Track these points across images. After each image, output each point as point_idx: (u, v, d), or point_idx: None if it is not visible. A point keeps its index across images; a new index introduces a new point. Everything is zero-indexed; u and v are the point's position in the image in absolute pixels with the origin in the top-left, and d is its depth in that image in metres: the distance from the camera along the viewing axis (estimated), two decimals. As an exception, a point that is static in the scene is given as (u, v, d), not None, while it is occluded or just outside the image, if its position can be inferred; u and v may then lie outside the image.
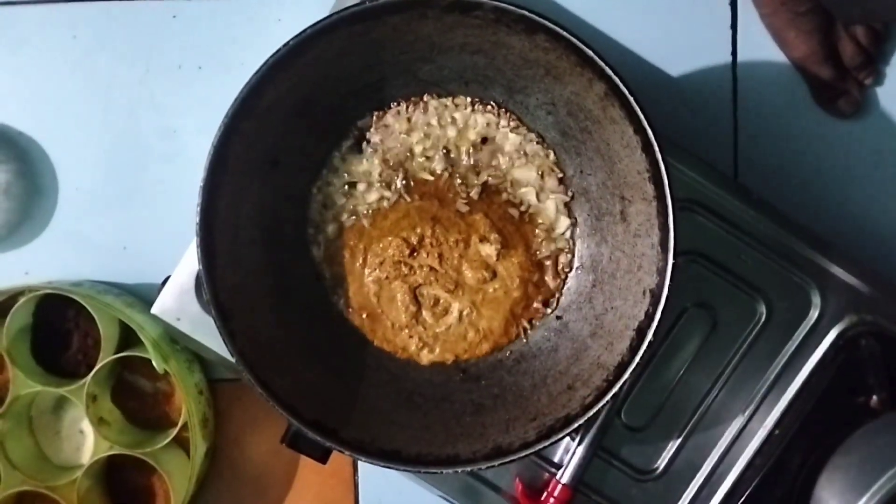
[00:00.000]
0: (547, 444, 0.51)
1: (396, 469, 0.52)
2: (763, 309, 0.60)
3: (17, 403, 0.66)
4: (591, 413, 0.50)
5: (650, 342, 0.50)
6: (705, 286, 0.60)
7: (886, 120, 0.69)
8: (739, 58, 0.69)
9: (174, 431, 0.65)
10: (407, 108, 0.58)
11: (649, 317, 0.50)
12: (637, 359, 0.50)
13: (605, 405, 0.50)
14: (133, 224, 0.70)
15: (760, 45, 0.68)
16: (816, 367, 0.59)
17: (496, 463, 0.51)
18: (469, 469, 0.51)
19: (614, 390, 0.50)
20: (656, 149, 0.49)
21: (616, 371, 0.51)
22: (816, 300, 0.60)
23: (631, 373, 0.50)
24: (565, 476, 0.58)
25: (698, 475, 0.60)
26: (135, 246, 0.70)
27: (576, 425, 0.50)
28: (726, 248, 0.60)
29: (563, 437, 0.51)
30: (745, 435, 0.60)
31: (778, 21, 0.67)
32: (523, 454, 0.51)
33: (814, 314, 0.60)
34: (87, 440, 0.69)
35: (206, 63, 0.69)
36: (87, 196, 0.70)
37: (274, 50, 0.51)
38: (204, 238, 0.51)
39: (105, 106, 0.69)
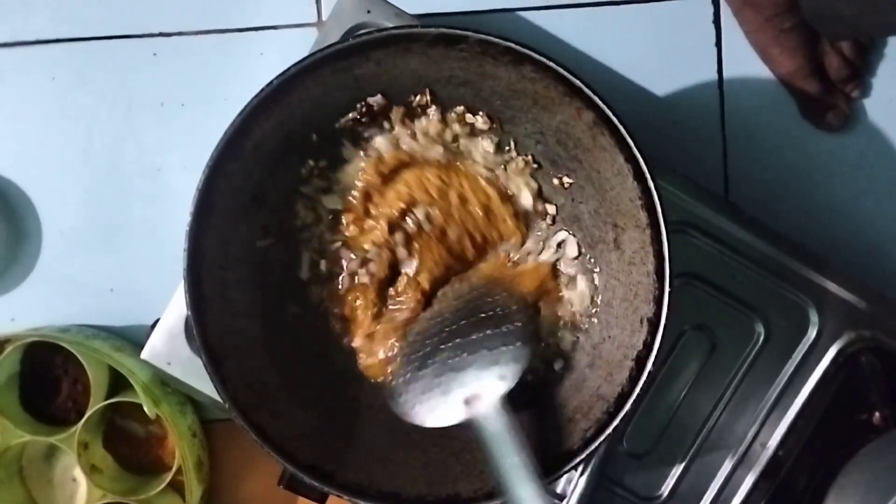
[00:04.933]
0: (548, 481, 0.50)
1: (397, 512, 0.51)
2: (761, 329, 0.60)
3: (7, 454, 0.65)
4: (592, 447, 0.49)
5: (650, 372, 0.49)
6: (702, 308, 0.60)
7: (875, 131, 0.69)
8: (725, 75, 0.69)
9: (168, 476, 0.64)
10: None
11: (648, 346, 0.50)
12: (637, 390, 0.49)
13: (606, 438, 0.50)
14: (120, 265, 0.68)
15: (746, 63, 0.68)
16: (817, 386, 0.59)
17: (498, 502, 0.50)
18: (470, 509, 0.50)
19: (615, 423, 0.49)
20: (648, 177, 0.49)
21: (616, 402, 0.50)
22: (814, 318, 0.59)
23: (632, 404, 0.49)
24: (569, 507, 0.58)
25: (703, 500, 0.59)
26: (122, 288, 0.68)
27: (577, 460, 0.50)
28: (721, 269, 0.60)
29: (565, 474, 0.50)
30: (749, 457, 0.59)
31: (762, 38, 0.67)
32: (525, 491, 0.50)
33: (812, 332, 0.59)
34: (80, 488, 0.67)
35: (188, 99, 0.69)
36: (71, 238, 0.69)
37: (257, 86, 0.50)
38: (192, 284, 0.50)
39: (87, 146, 0.69)
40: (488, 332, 0.52)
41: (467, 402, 0.50)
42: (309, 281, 0.57)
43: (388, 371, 0.55)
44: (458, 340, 0.52)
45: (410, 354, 0.54)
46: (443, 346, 0.52)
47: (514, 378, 0.50)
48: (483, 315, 0.53)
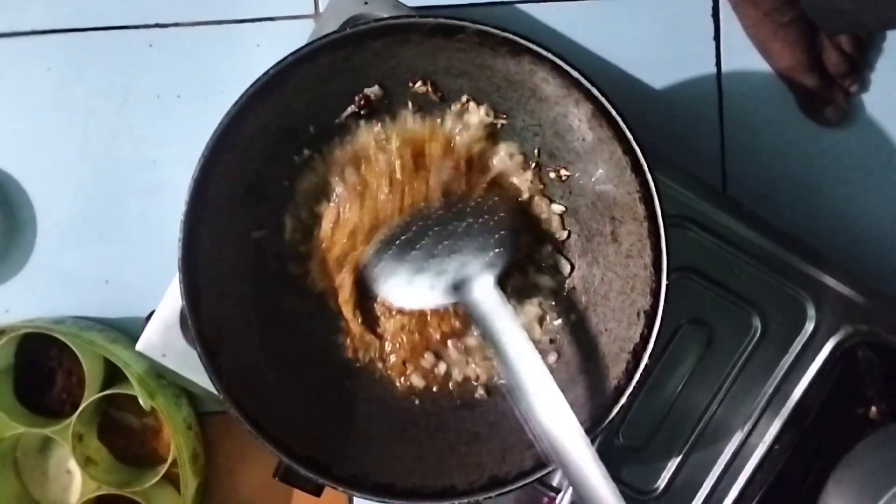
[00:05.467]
0: (544, 472, 0.49)
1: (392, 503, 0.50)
2: (758, 323, 0.59)
3: (1, 446, 0.65)
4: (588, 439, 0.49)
5: (646, 365, 0.49)
6: (699, 302, 0.59)
7: (873, 126, 0.69)
8: (724, 69, 0.69)
9: (164, 468, 0.64)
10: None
11: (644, 339, 0.49)
12: (633, 383, 0.49)
13: (602, 431, 0.49)
14: (115, 257, 0.68)
15: (744, 57, 0.68)
16: (814, 380, 0.59)
17: (493, 494, 0.50)
18: (466, 501, 0.50)
19: (611, 415, 0.49)
20: (646, 169, 0.48)
21: (612, 396, 0.50)
22: (811, 312, 0.59)
23: (628, 397, 0.49)
24: (565, 500, 0.58)
25: (699, 494, 0.59)
26: (117, 280, 0.68)
27: (574, 452, 0.49)
28: (719, 263, 0.59)
29: (561, 466, 0.50)
30: (746, 451, 0.59)
31: (761, 32, 0.66)
32: (521, 484, 0.50)
33: (809, 326, 0.59)
34: (74, 480, 0.67)
35: (184, 91, 0.68)
36: (66, 230, 0.68)
37: (253, 77, 0.50)
38: (187, 274, 0.50)
39: (82, 138, 0.68)
40: (471, 221, 0.52)
41: (456, 287, 0.50)
42: (293, 236, 0.56)
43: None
44: (439, 229, 0.52)
45: (389, 241, 0.53)
46: (426, 237, 0.52)
47: (503, 262, 0.51)
48: (466, 208, 0.53)
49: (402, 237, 0.52)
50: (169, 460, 0.63)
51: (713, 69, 0.69)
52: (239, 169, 0.52)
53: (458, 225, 0.52)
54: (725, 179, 0.69)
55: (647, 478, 0.59)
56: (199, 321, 0.50)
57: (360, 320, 0.55)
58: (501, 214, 0.53)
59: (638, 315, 0.50)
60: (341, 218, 0.55)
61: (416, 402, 0.55)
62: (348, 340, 0.56)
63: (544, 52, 0.49)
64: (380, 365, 0.56)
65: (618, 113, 0.49)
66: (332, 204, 0.55)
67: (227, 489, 0.69)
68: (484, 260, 0.51)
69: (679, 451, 0.59)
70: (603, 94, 0.49)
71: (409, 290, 0.52)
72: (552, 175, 0.56)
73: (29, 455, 0.68)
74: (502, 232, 0.52)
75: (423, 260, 0.51)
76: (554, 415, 0.46)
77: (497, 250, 0.51)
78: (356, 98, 0.54)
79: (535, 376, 0.47)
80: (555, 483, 0.58)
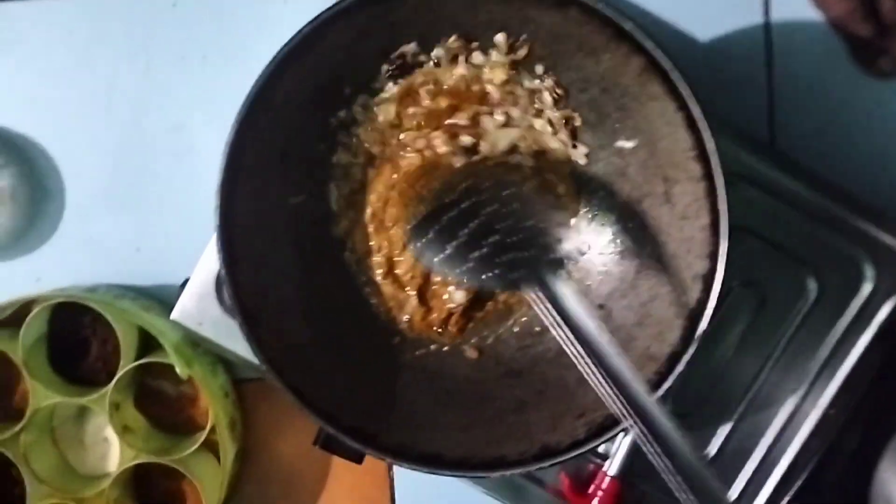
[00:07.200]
0: (598, 442, 0.48)
1: (440, 474, 0.49)
2: (813, 284, 0.57)
3: (37, 415, 0.64)
4: (644, 409, 0.48)
5: (704, 331, 0.47)
6: (751, 263, 0.57)
7: (930, 76, 0.66)
8: (773, 19, 0.65)
9: (202, 436, 0.63)
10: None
11: (701, 304, 0.47)
12: (691, 350, 0.47)
13: (658, 399, 0.48)
14: (145, 224, 0.67)
15: (794, 5, 0.65)
16: (872, 343, 0.56)
17: (546, 464, 0.48)
18: (517, 471, 0.49)
19: (668, 383, 0.48)
20: (702, 126, 0.46)
21: (668, 363, 0.48)
22: (870, 272, 0.57)
23: (685, 364, 0.47)
24: (613, 468, 0.56)
25: (751, 460, 0.57)
26: (149, 247, 0.67)
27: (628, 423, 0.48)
28: (771, 222, 0.57)
29: (616, 435, 0.48)
30: (799, 416, 0.57)
31: (814, -23, 0.63)
32: (574, 454, 0.48)
33: (867, 287, 0.57)
34: (112, 448, 0.67)
35: (210, 52, 0.66)
36: (95, 197, 0.67)
37: (281, 36, 0.48)
38: (224, 243, 0.48)
39: (107, 103, 0.66)
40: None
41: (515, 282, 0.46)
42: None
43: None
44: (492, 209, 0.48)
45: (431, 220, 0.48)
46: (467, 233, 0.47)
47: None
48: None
49: (447, 216, 0.48)
50: (207, 428, 0.63)
51: (761, 19, 0.66)
52: (273, 132, 0.50)
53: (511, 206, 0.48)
54: (774, 134, 0.66)
55: (698, 444, 0.58)
56: (238, 292, 0.49)
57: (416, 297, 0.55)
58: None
59: (694, 279, 0.48)
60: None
61: (462, 369, 0.54)
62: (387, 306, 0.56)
63: (592, 4, 0.47)
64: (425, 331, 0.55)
65: (672, 67, 0.46)
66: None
67: (266, 456, 0.68)
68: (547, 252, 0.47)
69: (730, 417, 0.58)
70: (657, 47, 0.46)
71: (460, 274, 0.47)
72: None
73: (66, 424, 0.67)
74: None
75: (472, 245, 0.47)
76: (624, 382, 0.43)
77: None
78: (391, 57, 0.52)
79: (607, 354, 0.44)
80: (602, 450, 0.57)
